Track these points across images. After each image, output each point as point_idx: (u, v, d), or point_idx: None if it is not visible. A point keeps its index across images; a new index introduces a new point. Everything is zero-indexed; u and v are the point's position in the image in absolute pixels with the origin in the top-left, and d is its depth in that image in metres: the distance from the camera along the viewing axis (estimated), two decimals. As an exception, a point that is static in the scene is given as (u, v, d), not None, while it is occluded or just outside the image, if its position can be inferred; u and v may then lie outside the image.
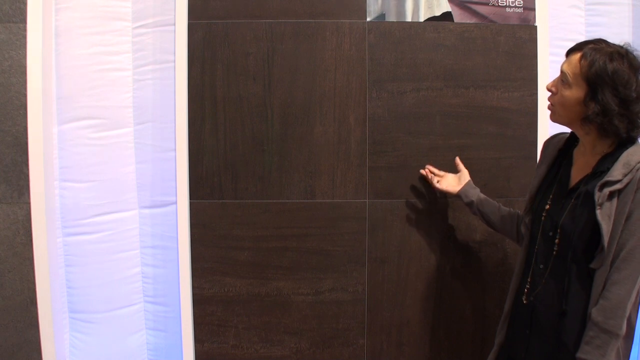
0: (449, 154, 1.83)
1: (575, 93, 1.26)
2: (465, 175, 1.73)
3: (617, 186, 1.20)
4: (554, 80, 1.32)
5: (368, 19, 1.82)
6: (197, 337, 1.88)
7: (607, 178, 1.22)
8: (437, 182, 1.75)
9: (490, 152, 1.84)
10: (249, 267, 1.87)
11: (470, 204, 1.67)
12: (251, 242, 1.86)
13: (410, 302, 1.87)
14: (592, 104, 1.23)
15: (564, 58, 1.35)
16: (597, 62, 1.22)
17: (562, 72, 1.29)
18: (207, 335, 1.88)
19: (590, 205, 1.23)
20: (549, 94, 1.34)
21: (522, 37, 1.82)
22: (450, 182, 1.74)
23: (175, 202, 1.85)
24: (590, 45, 1.26)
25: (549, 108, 1.34)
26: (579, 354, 1.21)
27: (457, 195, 1.70)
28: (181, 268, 1.84)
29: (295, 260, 1.86)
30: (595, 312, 1.20)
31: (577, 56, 1.26)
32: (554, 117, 1.34)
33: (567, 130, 1.41)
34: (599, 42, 1.27)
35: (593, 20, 1.95)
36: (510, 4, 1.82)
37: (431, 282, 1.87)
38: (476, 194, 1.67)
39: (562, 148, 1.41)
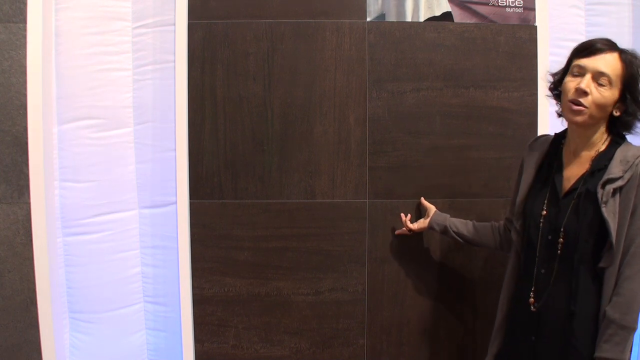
0: (449, 154, 1.84)
1: (614, 94, 1.25)
2: (431, 209, 1.77)
3: (619, 183, 1.22)
4: (586, 81, 1.25)
5: (368, 19, 1.82)
6: (197, 337, 1.88)
7: (608, 176, 1.23)
8: (410, 223, 1.80)
9: (490, 152, 1.84)
10: (249, 267, 1.87)
11: (444, 231, 1.69)
12: (251, 242, 1.86)
13: (410, 302, 1.87)
14: (621, 105, 1.26)
15: (563, 58, 1.36)
16: (634, 63, 1.25)
17: (599, 72, 1.24)
18: (207, 335, 1.88)
19: (593, 204, 1.24)
20: (576, 95, 1.26)
21: (522, 37, 1.82)
22: (420, 221, 1.78)
23: (175, 202, 1.85)
24: (614, 45, 1.27)
25: (578, 110, 1.25)
26: (598, 353, 1.21)
27: (431, 228, 1.73)
28: (181, 268, 1.84)
29: (295, 260, 1.86)
30: (610, 310, 1.21)
31: (614, 56, 1.25)
32: (583, 119, 1.26)
33: (547, 131, 1.43)
34: (613, 42, 1.29)
35: (593, 20, 1.95)
36: (510, 4, 1.82)
37: (431, 282, 1.86)
38: (446, 217, 1.71)
39: (548, 150, 1.40)
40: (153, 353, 2.03)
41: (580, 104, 1.25)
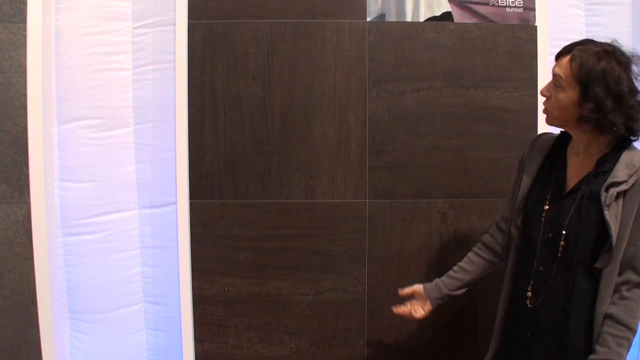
0: (449, 154, 1.84)
1: (569, 95, 1.26)
2: (419, 290, 1.60)
3: (623, 187, 1.22)
4: (547, 85, 1.33)
5: (368, 19, 1.82)
6: (197, 337, 1.88)
7: (613, 179, 1.23)
8: (415, 312, 1.60)
9: (490, 152, 1.84)
10: (249, 267, 1.87)
11: (445, 296, 1.57)
12: (251, 242, 1.86)
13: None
14: (586, 104, 1.24)
15: None
16: (587, 63, 1.24)
17: (554, 75, 1.30)
18: (207, 335, 1.88)
19: (596, 206, 1.24)
20: (543, 98, 1.35)
21: (522, 37, 1.82)
22: (419, 308, 1.59)
23: (175, 202, 1.85)
24: (578, 47, 1.27)
25: (544, 112, 1.35)
26: (599, 356, 1.21)
27: (437, 302, 1.58)
28: (181, 268, 1.84)
29: (295, 260, 1.86)
30: (617, 312, 1.21)
31: (566, 59, 1.28)
32: (550, 121, 1.35)
33: (552, 130, 1.42)
34: (587, 42, 1.29)
35: (593, 20, 1.95)
36: (510, 4, 1.82)
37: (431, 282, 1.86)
38: (437, 286, 1.57)
39: (552, 148, 1.41)
40: (153, 353, 2.03)
41: (544, 107, 1.34)
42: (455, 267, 1.58)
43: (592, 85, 1.23)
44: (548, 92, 1.32)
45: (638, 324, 1.22)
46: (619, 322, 1.20)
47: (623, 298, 1.21)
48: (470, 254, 1.58)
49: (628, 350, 1.23)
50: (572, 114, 1.27)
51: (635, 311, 1.21)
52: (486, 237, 1.57)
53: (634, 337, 1.22)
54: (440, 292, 1.58)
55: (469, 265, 1.57)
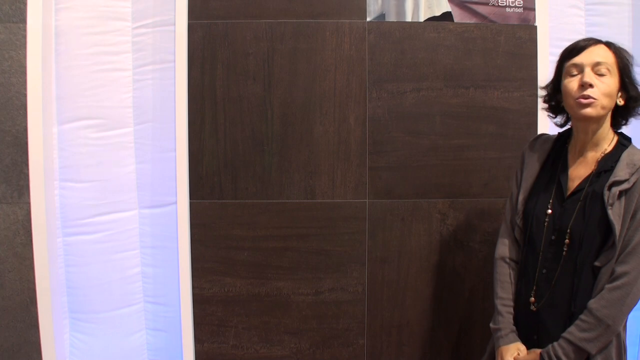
0: (449, 154, 1.84)
1: (615, 81, 1.28)
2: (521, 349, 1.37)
3: (625, 185, 1.22)
4: (586, 74, 1.26)
5: (368, 19, 1.82)
6: (197, 337, 1.88)
7: (615, 178, 1.23)
8: None
9: (490, 152, 1.84)
10: (249, 267, 1.87)
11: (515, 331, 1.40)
12: (251, 242, 1.86)
13: (410, 302, 1.87)
14: (623, 92, 1.29)
15: None
16: (622, 52, 1.29)
17: (597, 62, 1.26)
18: (207, 335, 1.88)
19: (599, 205, 1.24)
20: (582, 90, 1.27)
21: (522, 37, 1.82)
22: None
23: (175, 202, 1.85)
24: (596, 39, 1.31)
25: (588, 103, 1.25)
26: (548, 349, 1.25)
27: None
28: (181, 268, 1.84)
29: (295, 260, 1.86)
30: (593, 304, 1.22)
31: (601, 46, 1.29)
32: (596, 111, 1.26)
33: (552, 129, 1.44)
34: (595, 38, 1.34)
35: (593, 20, 1.95)
36: (510, 4, 1.82)
37: (431, 282, 1.86)
38: (508, 330, 1.38)
39: (551, 149, 1.40)
40: (153, 353, 2.03)
41: (589, 97, 1.25)
42: (502, 307, 1.41)
43: (628, 72, 1.28)
44: (593, 80, 1.26)
45: (618, 320, 1.20)
46: (591, 313, 1.21)
47: (606, 290, 1.21)
48: (504, 278, 1.43)
49: (603, 346, 1.22)
50: (613, 102, 1.29)
51: (614, 304, 1.20)
52: (505, 251, 1.45)
53: (609, 332, 1.21)
54: (514, 335, 1.39)
55: (509, 281, 1.43)
